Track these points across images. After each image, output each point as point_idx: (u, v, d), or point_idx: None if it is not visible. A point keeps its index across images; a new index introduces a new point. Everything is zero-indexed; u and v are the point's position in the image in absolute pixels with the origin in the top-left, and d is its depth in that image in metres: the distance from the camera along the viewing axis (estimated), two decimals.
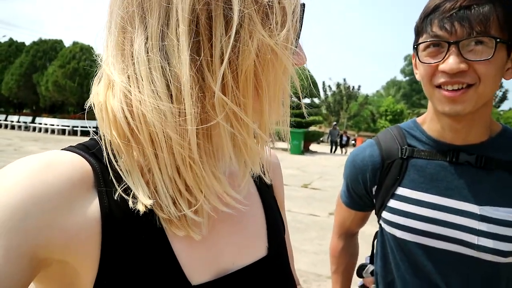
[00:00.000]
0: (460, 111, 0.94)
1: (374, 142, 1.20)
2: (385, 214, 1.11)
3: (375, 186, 1.16)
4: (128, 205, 0.48)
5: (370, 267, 1.29)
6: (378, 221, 1.18)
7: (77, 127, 23.89)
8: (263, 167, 0.70)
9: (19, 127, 27.63)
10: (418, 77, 1.07)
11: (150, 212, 0.50)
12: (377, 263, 1.22)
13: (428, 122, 1.11)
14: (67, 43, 32.26)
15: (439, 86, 0.96)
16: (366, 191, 1.19)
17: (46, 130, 25.24)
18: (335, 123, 26.35)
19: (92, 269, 0.46)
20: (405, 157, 1.10)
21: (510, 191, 0.98)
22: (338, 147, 24.14)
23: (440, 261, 1.03)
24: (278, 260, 0.65)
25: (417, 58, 1.02)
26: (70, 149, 0.52)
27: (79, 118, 24.70)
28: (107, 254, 0.46)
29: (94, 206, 0.47)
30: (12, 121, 28.49)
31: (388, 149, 1.14)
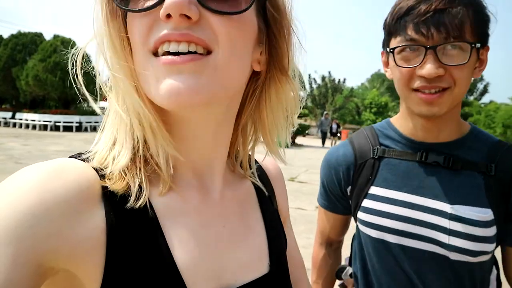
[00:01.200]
0: (436, 113, 0.97)
1: (348, 142, 1.21)
2: (360, 215, 1.12)
3: (349, 186, 1.17)
4: (133, 215, 0.49)
5: (349, 270, 1.29)
6: (356, 222, 1.19)
7: (60, 122, 23.34)
8: (256, 177, 0.70)
9: None
10: (389, 75, 1.08)
11: (154, 224, 0.51)
12: (355, 265, 1.22)
13: (401, 122, 1.12)
14: (48, 36, 31.55)
15: (415, 89, 0.97)
16: (341, 191, 1.20)
17: (27, 126, 24.61)
18: (326, 112, 26.28)
19: (96, 279, 0.46)
20: (376, 156, 1.12)
21: (477, 191, 0.99)
22: (327, 140, 23.40)
23: (415, 260, 1.04)
24: (279, 277, 0.64)
25: (391, 60, 1.02)
26: (78, 157, 0.52)
27: (61, 113, 24.22)
28: (111, 265, 0.46)
29: (100, 216, 0.47)
30: None
31: (361, 149, 1.15)
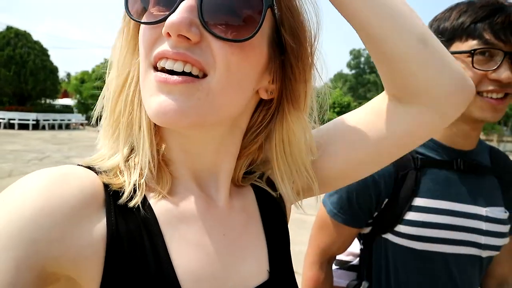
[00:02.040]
0: (498, 118, 1.03)
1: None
2: (400, 228, 1.07)
3: (387, 199, 1.10)
4: (134, 224, 0.49)
5: (365, 284, 1.20)
6: (381, 235, 1.12)
7: (14, 119, 22.09)
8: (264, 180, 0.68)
9: None
10: None
11: (155, 232, 0.51)
12: (378, 279, 1.16)
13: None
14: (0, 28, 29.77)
15: (478, 93, 1.01)
16: (376, 203, 1.11)
17: None
18: None
19: (95, 286, 0.46)
20: (418, 167, 1.09)
21: (499, 193, 1.12)
22: None
23: (453, 266, 1.07)
24: (281, 284, 0.63)
25: (462, 63, 1.02)
26: (84, 165, 0.53)
27: (17, 110, 22.96)
28: (110, 272, 0.47)
29: (101, 223, 0.48)
30: None
31: (400, 159, 1.07)
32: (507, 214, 1.10)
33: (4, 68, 23.67)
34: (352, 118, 0.69)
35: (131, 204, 0.51)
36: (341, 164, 0.68)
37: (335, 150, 0.67)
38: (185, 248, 0.53)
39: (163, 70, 0.49)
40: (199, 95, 0.48)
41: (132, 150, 0.56)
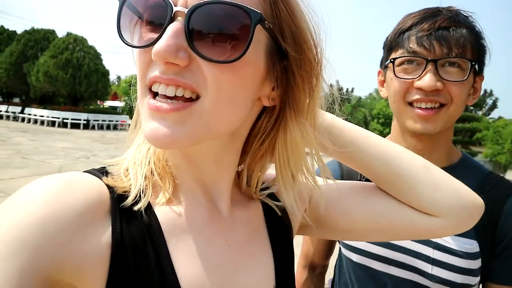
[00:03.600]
0: (431, 130, 0.95)
1: (336, 162, 1.16)
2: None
3: None
4: (138, 232, 0.49)
5: None
6: (339, 245, 1.15)
7: (68, 119, 23.55)
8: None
9: (8, 117, 27.24)
10: (384, 94, 1.06)
11: (160, 241, 0.51)
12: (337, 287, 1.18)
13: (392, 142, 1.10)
14: (60, 33, 31.96)
15: (410, 104, 0.96)
16: None
17: (36, 121, 24.87)
18: None
19: None
20: (363, 179, 1.06)
21: None
22: None
23: None
24: None
25: (390, 73, 1.00)
26: (91, 171, 0.53)
27: (70, 110, 24.43)
28: (114, 281, 0.46)
29: (107, 231, 0.48)
30: (1, 111, 28.05)
31: (348, 169, 1.12)
32: (472, 248, 0.94)
33: (62, 71, 25.35)
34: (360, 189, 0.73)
35: (136, 208, 0.50)
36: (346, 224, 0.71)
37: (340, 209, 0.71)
38: (189, 258, 0.53)
39: (156, 95, 0.49)
40: (192, 119, 0.48)
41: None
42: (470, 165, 1.05)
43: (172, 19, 0.46)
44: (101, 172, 0.54)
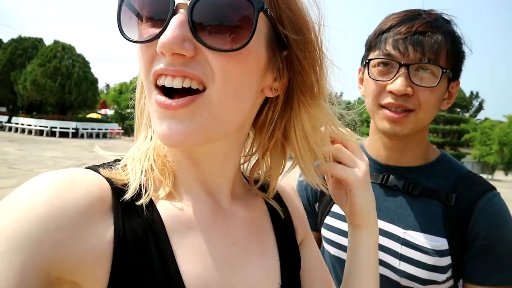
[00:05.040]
0: (399, 132, 0.97)
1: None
2: (323, 231, 1.13)
3: (317, 203, 1.19)
4: (141, 229, 0.49)
5: None
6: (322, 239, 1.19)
7: (56, 128, 23.26)
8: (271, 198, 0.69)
9: None
10: (362, 92, 1.08)
11: (162, 238, 0.50)
12: None
13: (369, 142, 1.13)
14: (48, 42, 31.65)
15: (382, 106, 0.98)
16: (311, 207, 1.21)
17: (23, 131, 24.52)
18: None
19: None
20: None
21: (434, 219, 0.98)
22: None
23: None
24: None
25: (366, 73, 1.02)
26: (93, 167, 0.52)
27: (58, 119, 24.16)
28: (116, 278, 0.46)
29: (109, 227, 0.47)
30: None
31: None
32: (439, 245, 0.95)
33: (50, 79, 25.09)
34: None
35: (138, 203, 0.50)
36: None
37: None
38: (192, 254, 0.52)
39: (164, 87, 0.48)
40: (201, 112, 0.48)
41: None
42: (448, 164, 1.06)
43: (174, 12, 0.46)
44: (102, 168, 0.53)
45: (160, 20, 0.47)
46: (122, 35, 0.49)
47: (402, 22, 0.96)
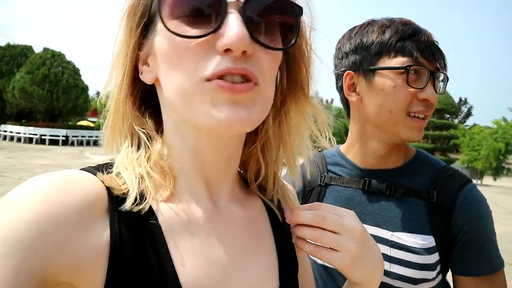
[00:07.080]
0: (421, 138, 1.00)
1: (299, 169, 1.17)
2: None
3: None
4: (137, 231, 0.48)
5: None
6: None
7: (46, 135, 22.96)
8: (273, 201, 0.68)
9: None
10: (356, 100, 1.03)
11: (159, 239, 0.50)
12: None
13: (350, 149, 1.11)
14: (37, 49, 31.38)
15: (409, 114, 0.97)
16: None
17: (12, 138, 24.19)
18: (320, 149, 26.46)
19: None
20: (323, 184, 1.12)
21: (419, 218, 0.98)
22: None
23: None
24: None
25: (389, 80, 0.97)
26: (88, 169, 0.51)
27: (48, 126, 23.87)
28: (112, 280, 0.45)
29: (105, 229, 0.46)
30: None
31: (309, 176, 1.15)
32: (427, 243, 0.96)
33: (39, 87, 24.84)
34: None
35: (135, 210, 0.49)
36: None
37: None
38: (190, 257, 0.52)
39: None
40: (259, 101, 0.49)
41: (138, 151, 0.56)
42: (424, 161, 1.08)
43: (226, 8, 0.45)
44: (98, 170, 0.52)
45: (209, 15, 0.45)
46: (168, 29, 0.47)
47: (416, 31, 0.97)
